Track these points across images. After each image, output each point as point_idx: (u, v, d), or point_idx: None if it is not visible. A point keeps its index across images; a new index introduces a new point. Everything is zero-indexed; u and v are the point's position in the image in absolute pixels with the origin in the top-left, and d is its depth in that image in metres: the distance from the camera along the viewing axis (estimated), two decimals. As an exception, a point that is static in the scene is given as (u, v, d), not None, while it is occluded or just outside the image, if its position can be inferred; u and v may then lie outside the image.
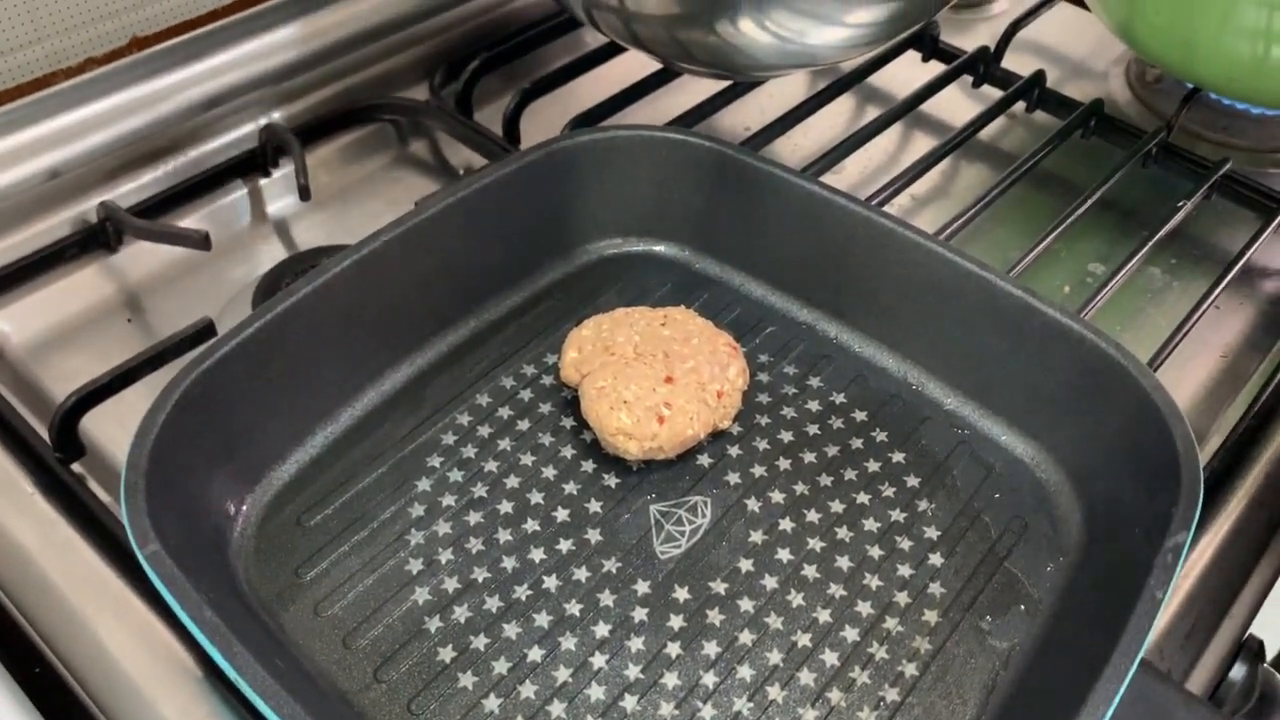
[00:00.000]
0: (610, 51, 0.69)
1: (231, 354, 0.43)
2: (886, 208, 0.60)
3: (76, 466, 0.47)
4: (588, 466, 0.47)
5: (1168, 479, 0.41)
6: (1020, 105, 0.70)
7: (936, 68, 0.71)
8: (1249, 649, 0.47)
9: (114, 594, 0.43)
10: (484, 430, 0.48)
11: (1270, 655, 0.48)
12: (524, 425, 0.49)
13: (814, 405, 0.50)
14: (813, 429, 0.49)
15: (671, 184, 0.55)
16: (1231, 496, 0.50)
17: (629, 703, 0.40)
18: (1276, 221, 0.61)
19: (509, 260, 0.54)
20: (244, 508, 0.44)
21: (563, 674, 0.40)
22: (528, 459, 0.48)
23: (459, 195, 0.51)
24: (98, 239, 0.58)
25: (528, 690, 0.40)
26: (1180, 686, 0.39)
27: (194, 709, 0.40)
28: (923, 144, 0.68)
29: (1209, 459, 0.50)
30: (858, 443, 0.49)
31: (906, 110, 0.67)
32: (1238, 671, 0.46)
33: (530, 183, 0.53)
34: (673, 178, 0.55)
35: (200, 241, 0.56)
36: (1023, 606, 0.43)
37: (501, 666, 0.41)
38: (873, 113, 0.69)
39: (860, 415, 0.50)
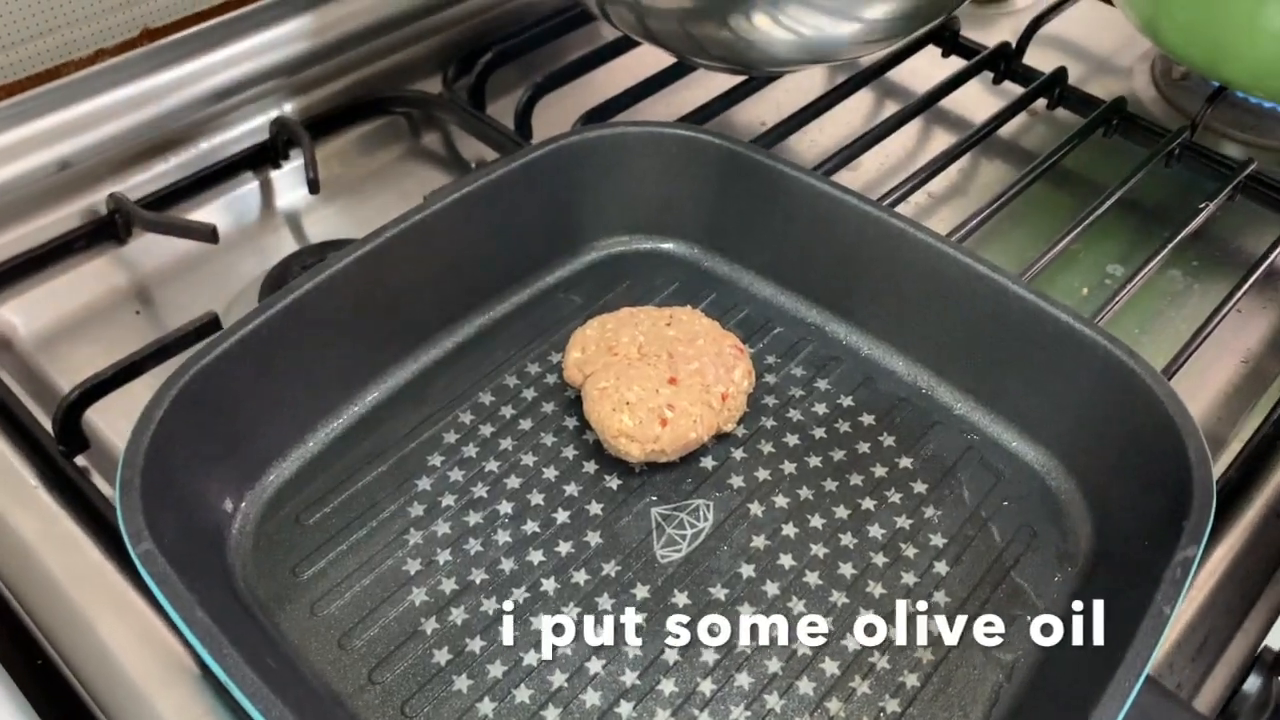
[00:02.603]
0: (624, 45, 0.68)
1: (232, 350, 0.43)
2: (903, 205, 0.59)
3: (80, 460, 0.47)
4: (589, 468, 0.47)
5: (1179, 490, 0.40)
6: (1041, 102, 0.69)
7: (957, 63, 0.70)
8: (1264, 661, 0.46)
9: (114, 590, 0.43)
10: (486, 429, 0.48)
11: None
12: (526, 425, 0.48)
13: (821, 408, 0.49)
14: (819, 432, 0.48)
15: (681, 181, 0.54)
16: (1249, 506, 0.49)
17: (624, 709, 0.39)
18: (1301, 224, 0.60)
19: (515, 257, 0.54)
20: (243, 505, 0.44)
21: (558, 679, 0.40)
22: (529, 459, 0.47)
23: (464, 191, 0.50)
24: (107, 231, 0.58)
25: (523, 694, 0.40)
26: (1187, 705, 0.38)
27: (191, 707, 0.39)
28: (941, 141, 0.67)
29: (1227, 466, 0.49)
30: (864, 447, 0.48)
31: (925, 106, 0.66)
32: (1252, 684, 0.45)
33: (537, 179, 0.52)
34: (682, 175, 0.54)
35: (208, 235, 0.56)
36: (1028, 617, 0.42)
37: (497, 670, 0.40)
38: (891, 108, 0.68)
39: (868, 419, 0.49)
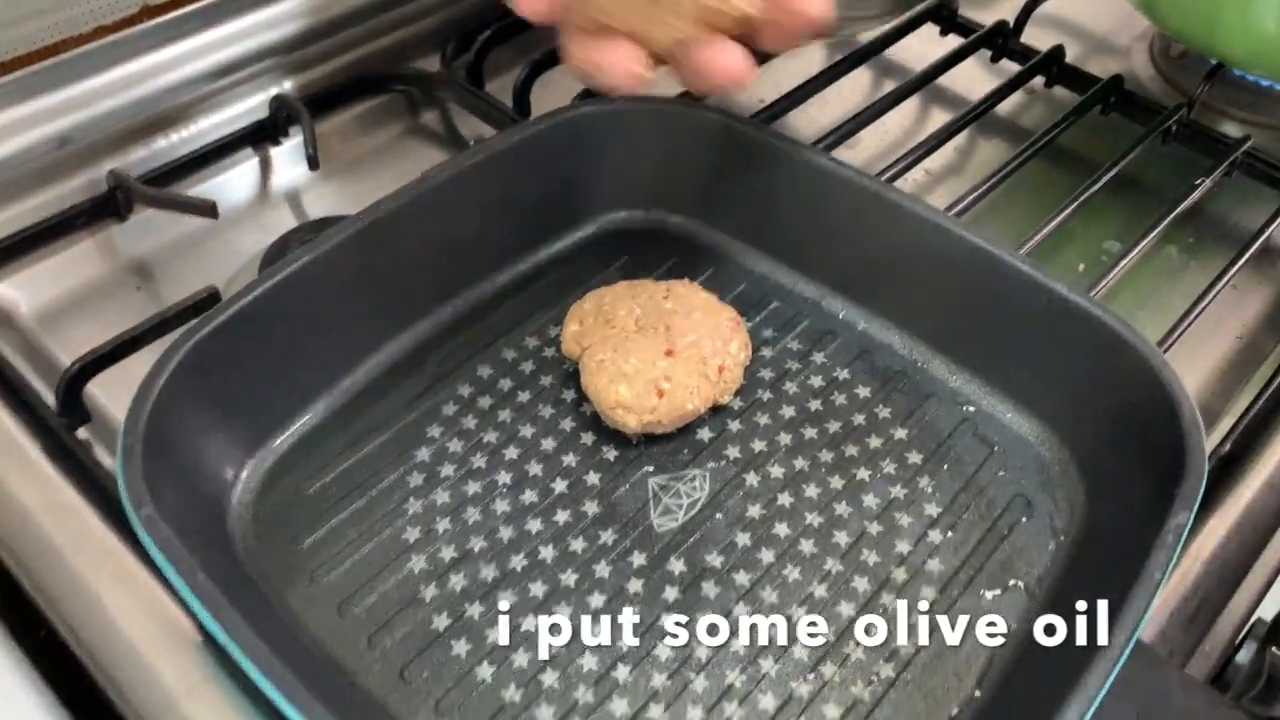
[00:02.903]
0: (623, 23, 0.68)
1: (231, 321, 0.43)
2: (901, 182, 0.59)
3: (82, 432, 0.48)
4: (587, 439, 0.47)
5: (1172, 458, 0.40)
6: (1039, 80, 0.69)
7: (954, 41, 0.70)
8: (1256, 632, 0.46)
9: (117, 559, 0.43)
10: (485, 401, 0.48)
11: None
12: (525, 397, 0.49)
13: (817, 380, 0.50)
14: (815, 404, 0.49)
15: (679, 156, 0.54)
16: (1243, 479, 0.49)
17: (621, 673, 0.40)
18: (1298, 200, 0.60)
19: (514, 231, 0.54)
20: (243, 474, 0.45)
21: (557, 643, 0.40)
22: (527, 430, 0.47)
23: (463, 165, 0.50)
24: (108, 207, 0.58)
25: (520, 659, 0.40)
26: (1178, 669, 0.39)
27: (193, 673, 0.40)
28: (939, 118, 0.67)
29: (1221, 439, 0.49)
30: (860, 418, 0.48)
31: (923, 84, 0.66)
32: (1244, 654, 0.46)
33: (536, 153, 0.52)
34: (680, 149, 0.54)
35: (208, 210, 0.56)
36: (1022, 585, 0.43)
37: (496, 635, 0.41)
38: (889, 86, 0.68)
39: (863, 391, 0.49)
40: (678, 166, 0.55)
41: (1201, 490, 0.39)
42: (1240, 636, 0.45)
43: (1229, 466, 0.49)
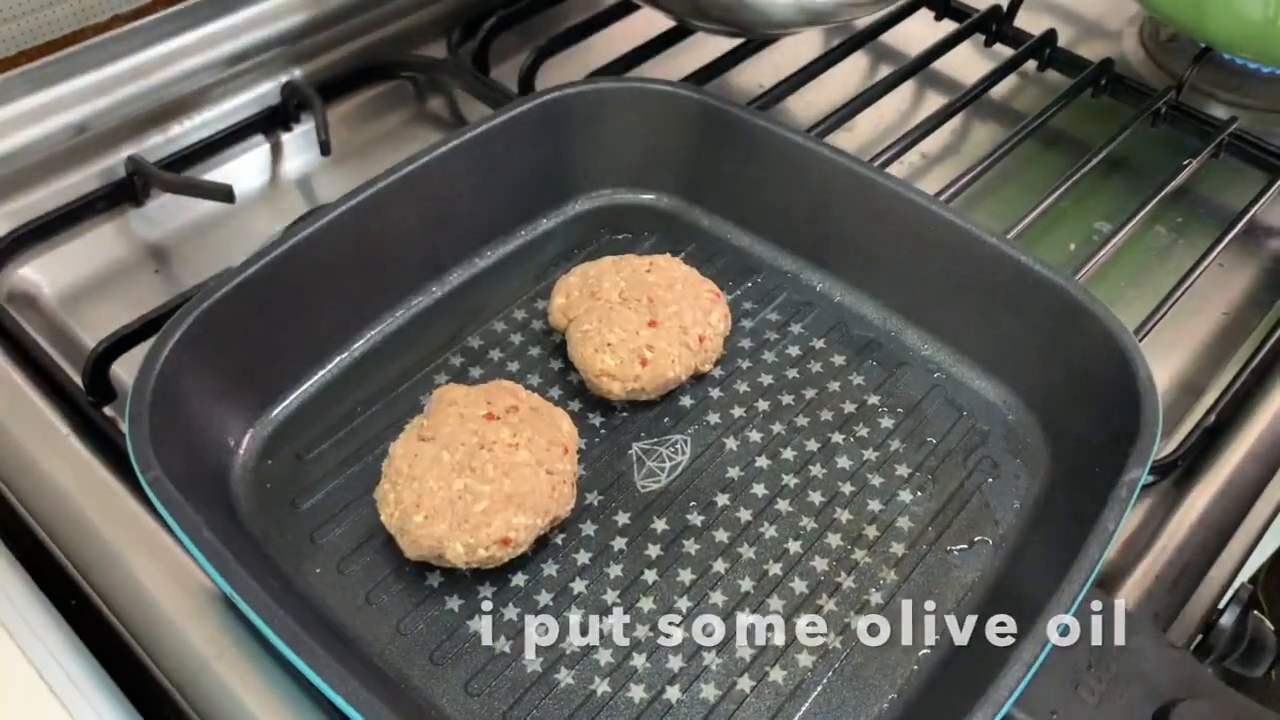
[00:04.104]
0: (625, 9, 0.70)
1: (231, 294, 0.45)
2: (896, 165, 0.61)
3: (108, 410, 0.50)
4: (574, 406, 0.49)
5: (1129, 419, 0.42)
6: (1031, 64, 0.70)
7: (949, 26, 0.72)
8: (1239, 596, 0.47)
9: (144, 528, 0.45)
10: (476, 371, 0.50)
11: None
12: (514, 367, 0.51)
13: (794, 350, 0.51)
14: (792, 373, 0.50)
15: (661, 136, 0.56)
16: (1226, 449, 0.50)
17: (605, 624, 0.42)
18: (1282, 180, 0.60)
19: (502, 209, 0.55)
20: (245, 440, 0.47)
21: (544, 598, 0.42)
22: (517, 398, 0.49)
23: (452, 144, 0.52)
24: (126, 192, 0.60)
25: (510, 612, 0.42)
26: (1127, 613, 0.40)
27: (220, 637, 0.41)
28: (934, 102, 0.68)
29: (1206, 411, 0.50)
30: (834, 385, 0.50)
31: (918, 68, 0.68)
32: (1227, 618, 0.47)
33: (523, 133, 0.54)
34: (662, 129, 0.56)
35: (224, 194, 0.58)
36: (989, 541, 0.44)
37: (486, 590, 0.43)
38: (885, 71, 0.69)
39: (839, 360, 0.51)
40: (660, 145, 0.57)
41: (1155, 449, 0.40)
42: (1224, 601, 0.46)
43: (1214, 437, 0.50)
